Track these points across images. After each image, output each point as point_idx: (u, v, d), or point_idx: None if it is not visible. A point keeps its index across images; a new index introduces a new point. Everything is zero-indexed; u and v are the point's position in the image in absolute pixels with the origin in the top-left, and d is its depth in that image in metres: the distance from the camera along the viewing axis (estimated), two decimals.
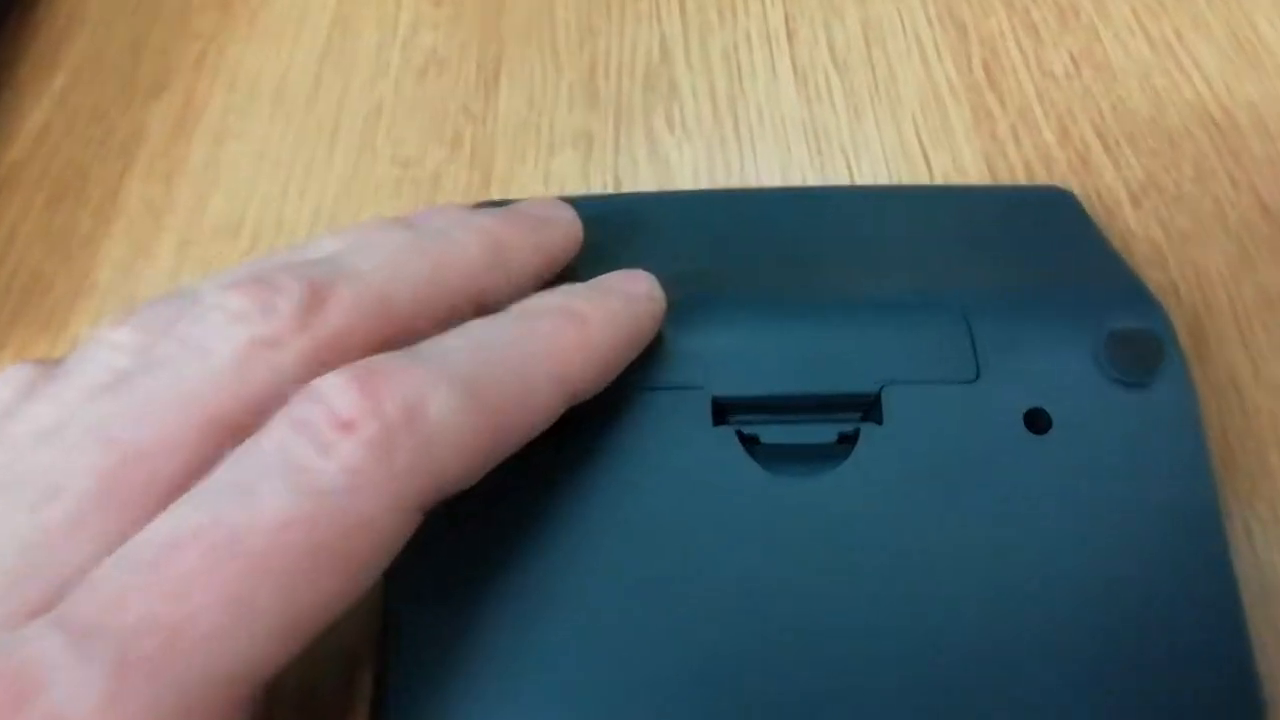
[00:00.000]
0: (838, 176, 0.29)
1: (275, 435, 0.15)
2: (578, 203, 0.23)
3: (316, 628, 0.14)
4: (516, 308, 0.19)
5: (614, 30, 0.33)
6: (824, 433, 0.21)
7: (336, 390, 0.15)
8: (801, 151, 0.29)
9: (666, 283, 0.21)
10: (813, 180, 0.29)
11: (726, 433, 0.20)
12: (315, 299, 0.17)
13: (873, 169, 0.29)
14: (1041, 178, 0.28)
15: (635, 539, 0.19)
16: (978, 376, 0.20)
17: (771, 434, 0.21)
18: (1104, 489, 0.19)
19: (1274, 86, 0.29)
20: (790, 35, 0.32)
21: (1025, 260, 0.23)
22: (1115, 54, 0.31)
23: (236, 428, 0.15)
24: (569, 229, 0.22)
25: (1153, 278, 0.26)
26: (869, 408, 0.21)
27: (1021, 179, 0.28)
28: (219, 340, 0.16)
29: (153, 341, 0.16)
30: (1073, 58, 0.31)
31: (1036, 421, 0.20)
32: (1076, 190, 0.26)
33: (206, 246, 0.29)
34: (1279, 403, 0.24)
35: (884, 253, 0.24)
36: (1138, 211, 0.27)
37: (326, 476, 0.14)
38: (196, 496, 0.14)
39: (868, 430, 0.20)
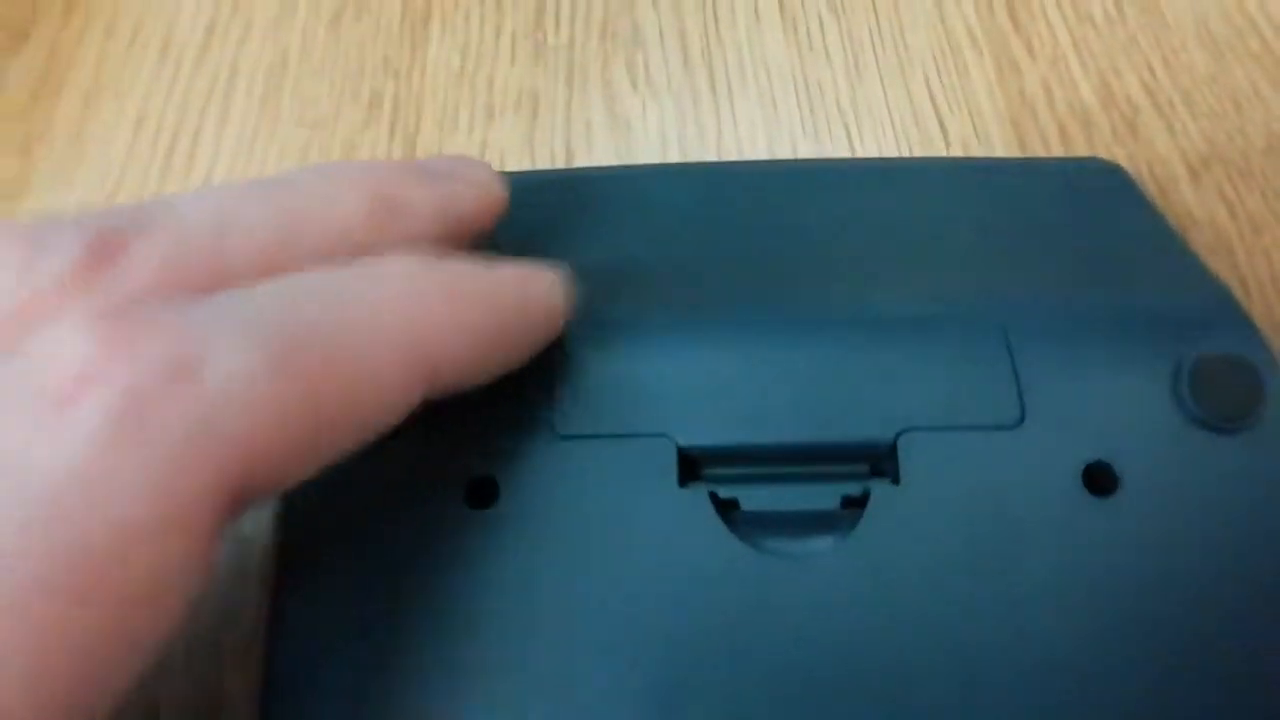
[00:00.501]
0: (835, 145, 0.24)
1: None
2: (516, 178, 0.18)
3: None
4: (366, 260, 0.14)
5: None
6: (822, 496, 0.16)
7: (67, 342, 0.11)
8: (791, 113, 0.25)
9: (618, 292, 0.17)
10: (805, 150, 0.24)
11: (697, 494, 0.16)
12: (101, 254, 0.13)
13: (876, 135, 0.24)
14: (1080, 147, 0.23)
15: (580, 624, 0.15)
16: (1022, 420, 0.16)
17: (754, 498, 0.16)
18: (1188, 566, 0.15)
19: None
20: None
21: (1074, 259, 0.19)
22: None
23: None
24: (485, 191, 0.17)
25: (1217, 271, 0.21)
26: (881, 461, 0.16)
27: (1056, 148, 0.23)
28: None
29: None
30: None
31: (1098, 479, 0.16)
32: (1124, 163, 0.22)
33: None
34: None
35: (895, 249, 0.19)
36: (1197, 189, 0.23)
37: (46, 464, 0.11)
38: None
39: (880, 491, 0.16)
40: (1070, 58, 0.25)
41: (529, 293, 0.16)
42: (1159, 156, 0.23)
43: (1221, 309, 0.17)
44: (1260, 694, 0.15)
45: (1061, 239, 0.19)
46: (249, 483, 0.12)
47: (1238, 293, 0.20)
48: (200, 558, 0.12)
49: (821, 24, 0.26)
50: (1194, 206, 0.22)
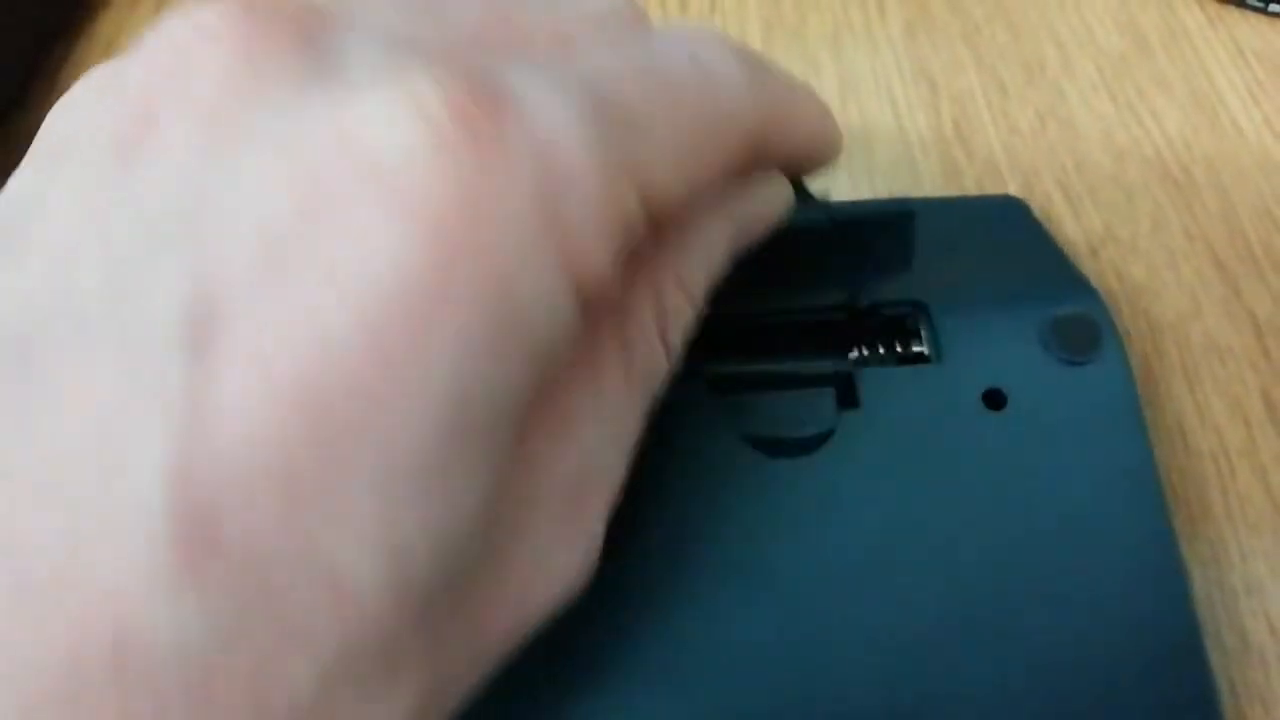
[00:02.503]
0: None
1: None
2: None
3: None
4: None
5: None
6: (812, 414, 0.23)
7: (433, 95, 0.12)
8: None
9: None
10: None
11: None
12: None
13: None
14: None
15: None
16: (941, 359, 0.23)
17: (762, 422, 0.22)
18: (1054, 456, 0.22)
19: (1230, 144, 0.31)
20: None
21: (980, 259, 0.26)
22: (1079, 111, 0.32)
23: None
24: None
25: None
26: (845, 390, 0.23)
27: None
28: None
29: None
30: (1038, 114, 0.32)
31: (994, 399, 0.22)
32: None
33: None
34: (1220, 446, 0.25)
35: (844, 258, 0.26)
36: (1095, 261, 0.29)
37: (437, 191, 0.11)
38: None
39: (847, 413, 0.22)
40: (1001, 160, 0.31)
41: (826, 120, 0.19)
42: (1067, 237, 0.29)
43: (1076, 285, 0.24)
44: (1101, 545, 0.21)
45: (974, 247, 0.26)
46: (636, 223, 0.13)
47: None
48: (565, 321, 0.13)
49: None
50: (1092, 275, 0.28)
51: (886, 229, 0.23)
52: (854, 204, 0.27)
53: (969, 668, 0.20)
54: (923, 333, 0.23)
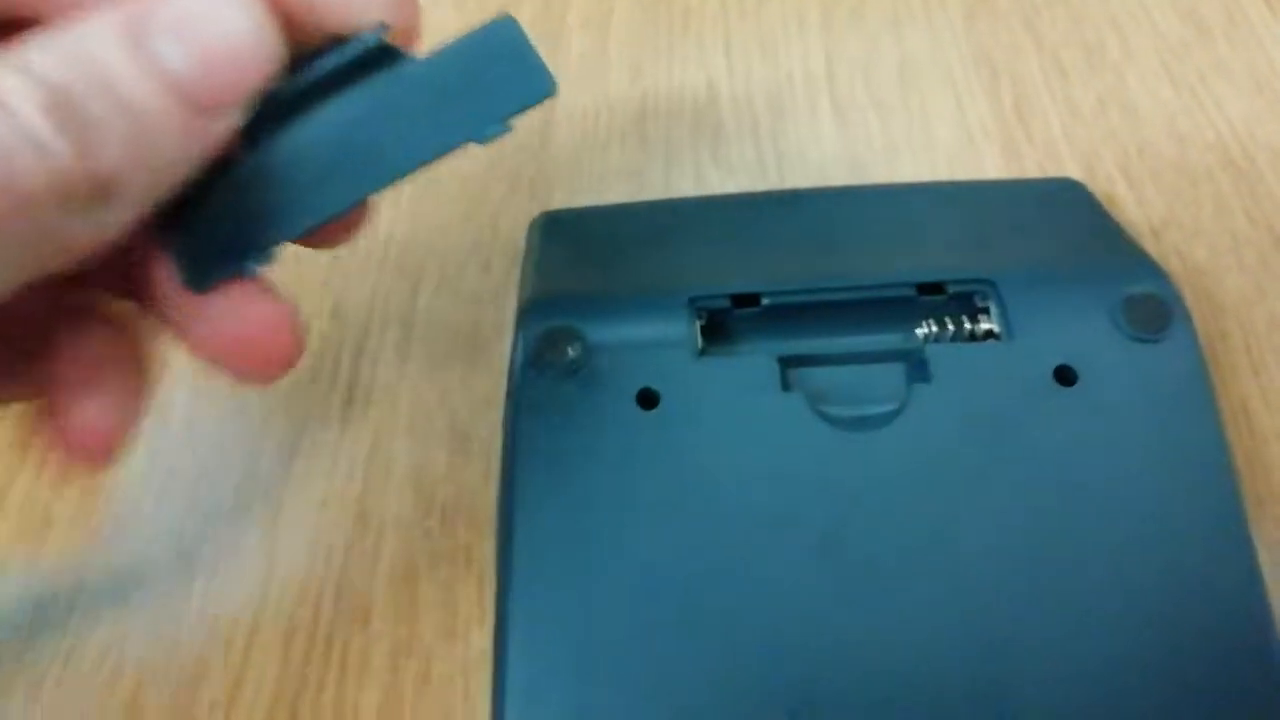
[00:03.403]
0: None
1: None
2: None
3: None
4: None
5: (662, 70, 0.35)
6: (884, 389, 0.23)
7: None
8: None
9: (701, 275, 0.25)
10: None
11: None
12: None
13: None
14: None
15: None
16: (1012, 337, 0.23)
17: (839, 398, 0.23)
18: (1125, 433, 0.22)
19: None
20: (830, 75, 0.34)
21: (1046, 240, 0.26)
22: (1140, 96, 0.32)
23: None
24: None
25: None
26: (915, 365, 0.23)
27: None
28: None
29: None
30: (1099, 99, 0.32)
31: (1065, 375, 0.23)
32: None
33: None
34: None
35: (920, 238, 0.27)
36: (1157, 244, 0.29)
37: None
38: None
39: (918, 388, 0.23)
40: (1062, 144, 0.31)
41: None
42: (1129, 220, 0.29)
43: (1144, 266, 0.25)
44: (1171, 516, 0.21)
45: (1039, 228, 0.27)
46: None
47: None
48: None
49: (865, 119, 0.33)
50: (1154, 259, 0.28)
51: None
52: None
53: (1040, 644, 0.20)
54: (992, 310, 0.24)
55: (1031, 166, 0.31)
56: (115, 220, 0.15)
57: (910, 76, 0.34)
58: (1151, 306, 0.23)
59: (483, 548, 0.25)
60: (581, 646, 0.20)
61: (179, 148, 0.15)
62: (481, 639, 0.23)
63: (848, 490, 0.21)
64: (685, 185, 0.32)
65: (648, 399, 0.22)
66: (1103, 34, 0.34)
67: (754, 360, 0.23)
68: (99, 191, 0.14)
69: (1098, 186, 0.30)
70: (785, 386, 0.23)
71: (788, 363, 0.23)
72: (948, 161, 0.31)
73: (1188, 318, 0.23)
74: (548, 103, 0.34)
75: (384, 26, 0.17)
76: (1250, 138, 0.31)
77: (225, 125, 0.16)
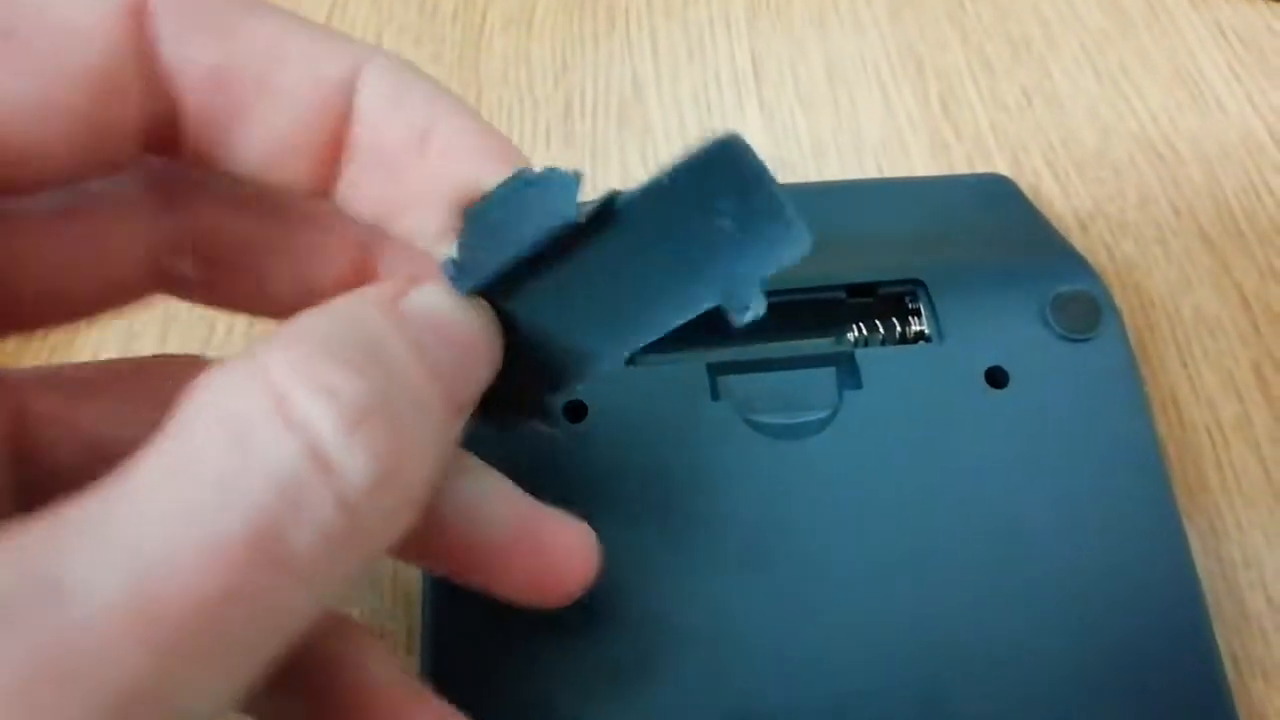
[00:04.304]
0: None
1: None
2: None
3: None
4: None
5: (588, 68, 0.34)
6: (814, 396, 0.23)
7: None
8: None
9: None
10: None
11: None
12: None
13: None
14: None
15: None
16: (942, 339, 0.23)
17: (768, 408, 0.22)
18: (1058, 433, 0.22)
19: (1213, 120, 0.31)
20: (757, 74, 0.34)
21: (974, 237, 0.26)
22: (1064, 88, 0.32)
23: None
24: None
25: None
26: (846, 370, 0.23)
27: None
28: None
29: None
30: (1024, 91, 0.32)
31: (996, 377, 0.22)
32: None
33: None
34: (1214, 420, 0.25)
35: (848, 238, 0.26)
36: (1085, 237, 0.29)
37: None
38: None
39: (849, 394, 0.22)
40: (989, 137, 0.31)
41: None
42: (1056, 213, 0.29)
43: (1074, 263, 0.24)
44: (1105, 515, 0.21)
45: (967, 226, 0.26)
46: None
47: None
48: None
49: (793, 117, 0.33)
50: (1082, 251, 0.28)
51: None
52: None
53: (975, 643, 0.20)
54: (923, 311, 0.23)
55: (960, 161, 0.31)
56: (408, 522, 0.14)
57: (837, 74, 0.33)
58: (1081, 305, 0.23)
59: None
60: (503, 659, 0.20)
61: (448, 451, 0.14)
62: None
63: (781, 500, 0.21)
64: (613, 185, 0.31)
65: (575, 411, 0.22)
66: (1028, 27, 0.34)
67: (683, 369, 0.22)
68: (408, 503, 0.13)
69: (1024, 179, 0.30)
70: (715, 395, 0.22)
71: (718, 369, 0.22)
72: (875, 159, 0.31)
73: (1117, 315, 0.23)
74: (471, 102, 0.33)
75: (577, 176, 0.15)
76: (1172, 127, 0.31)
77: (467, 424, 0.15)
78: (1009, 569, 0.20)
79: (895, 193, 0.28)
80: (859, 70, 0.33)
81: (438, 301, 0.15)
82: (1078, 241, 0.29)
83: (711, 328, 0.23)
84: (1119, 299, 0.27)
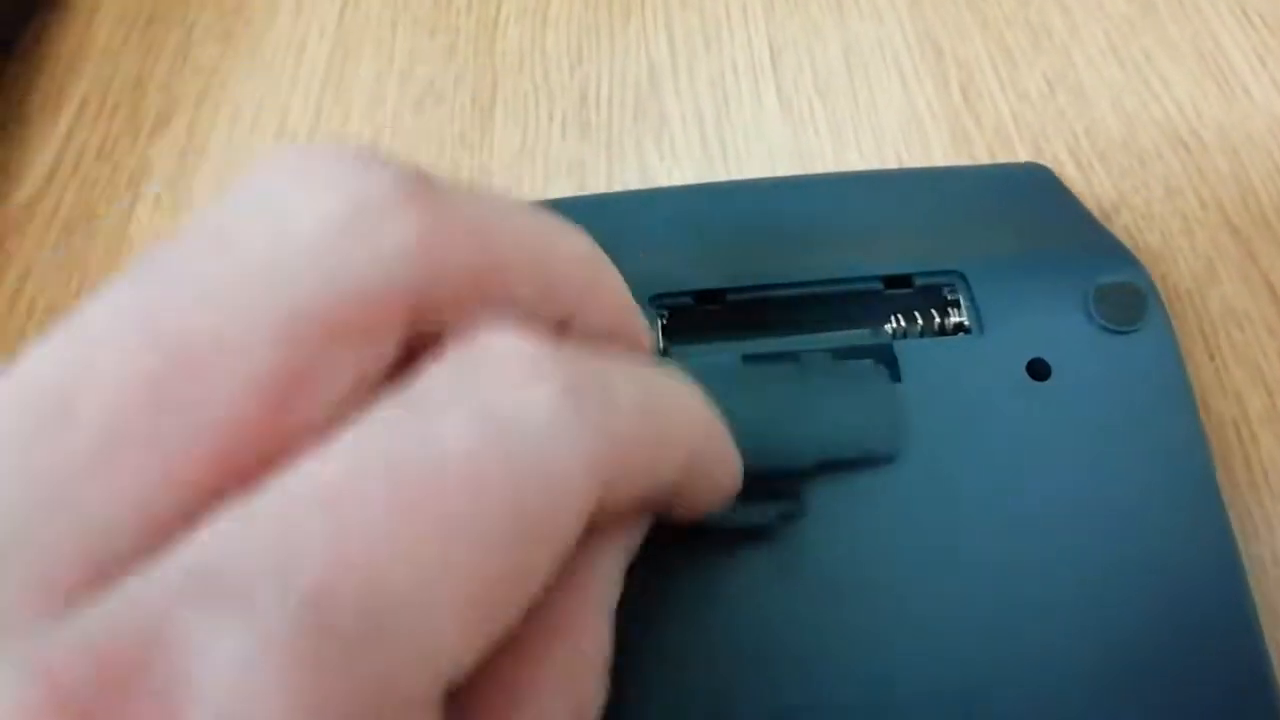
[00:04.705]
0: None
1: (451, 363, 0.12)
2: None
3: (506, 613, 0.12)
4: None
5: (604, 57, 0.34)
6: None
7: (515, 338, 0.13)
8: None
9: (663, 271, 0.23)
10: None
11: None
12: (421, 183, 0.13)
13: None
14: None
15: None
16: (983, 331, 0.22)
17: None
18: (1101, 426, 0.21)
19: (1239, 107, 0.31)
20: (774, 63, 0.33)
21: (1014, 228, 0.25)
22: (1087, 76, 0.32)
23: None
24: None
25: None
26: (886, 362, 0.22)
27: None
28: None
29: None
30: (1046, 80, 0.32)
31: (1038, 369, 0.22)
32: None
33: None
34: (1242, 414, 0.25)
35: (881, 230, 0.26)
36: (1110, 228, 0.28)
37: (524, 414, 0.12)
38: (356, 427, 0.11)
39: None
40: (1010, 127, 0.31)
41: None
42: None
43: (1117, 253, 0.24)
44: (1151, 510, 0.21)
45: (1006, 215, 0.26)
46: (614, 486, 0.13)
47: None
48: (582, 524, 0.13)
49: (811, 106, 0.32)
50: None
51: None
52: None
53: (1016, 642, 0.19)
54: (962, 303, 0.23)
55: (981, 151, 0.30)
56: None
57: (855, 63, 0.33)
58: (1125, 296, 0.22)
59: None
60: None
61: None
62: None
63: (815, 496, 0.21)
64: (630, 176, 0.31)
65: None
66: (1049, 15, 0.34)
67: (719, 360, 0.22)
68: None
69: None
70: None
71: (753, 362, 0.22)
72: (895, 148, 0.31)
73: (1163, 307, 0.23)
74: (487, 93, 0.33)
75: None
76: (1197, 115, 0.31)
77: None
78: (1051, 565, 0.20)
79: (932, 182, 0.28)
80: (878, 59, 0.33)
81: None
82: None
83: (746, 319, 0.23)
84: None
